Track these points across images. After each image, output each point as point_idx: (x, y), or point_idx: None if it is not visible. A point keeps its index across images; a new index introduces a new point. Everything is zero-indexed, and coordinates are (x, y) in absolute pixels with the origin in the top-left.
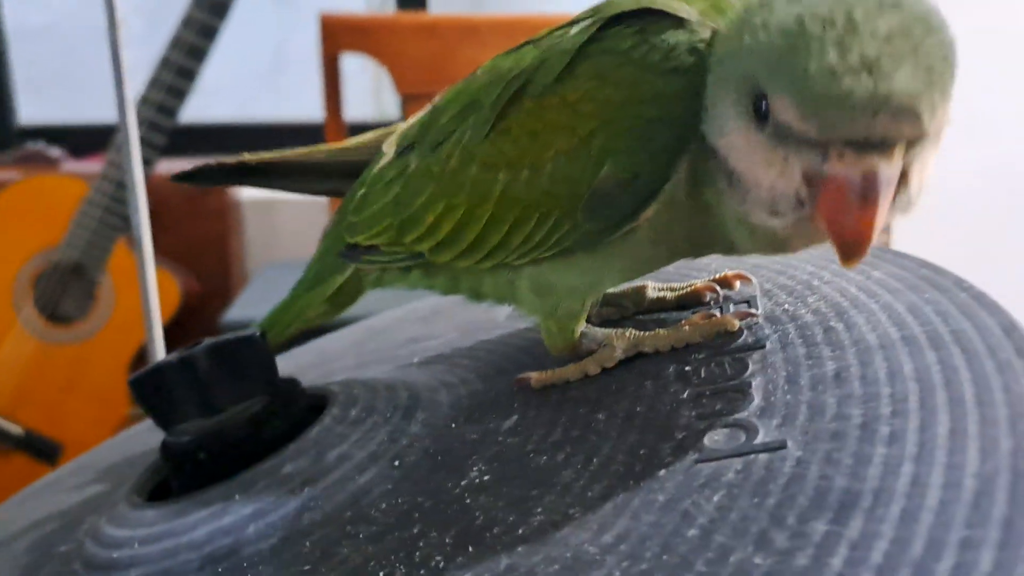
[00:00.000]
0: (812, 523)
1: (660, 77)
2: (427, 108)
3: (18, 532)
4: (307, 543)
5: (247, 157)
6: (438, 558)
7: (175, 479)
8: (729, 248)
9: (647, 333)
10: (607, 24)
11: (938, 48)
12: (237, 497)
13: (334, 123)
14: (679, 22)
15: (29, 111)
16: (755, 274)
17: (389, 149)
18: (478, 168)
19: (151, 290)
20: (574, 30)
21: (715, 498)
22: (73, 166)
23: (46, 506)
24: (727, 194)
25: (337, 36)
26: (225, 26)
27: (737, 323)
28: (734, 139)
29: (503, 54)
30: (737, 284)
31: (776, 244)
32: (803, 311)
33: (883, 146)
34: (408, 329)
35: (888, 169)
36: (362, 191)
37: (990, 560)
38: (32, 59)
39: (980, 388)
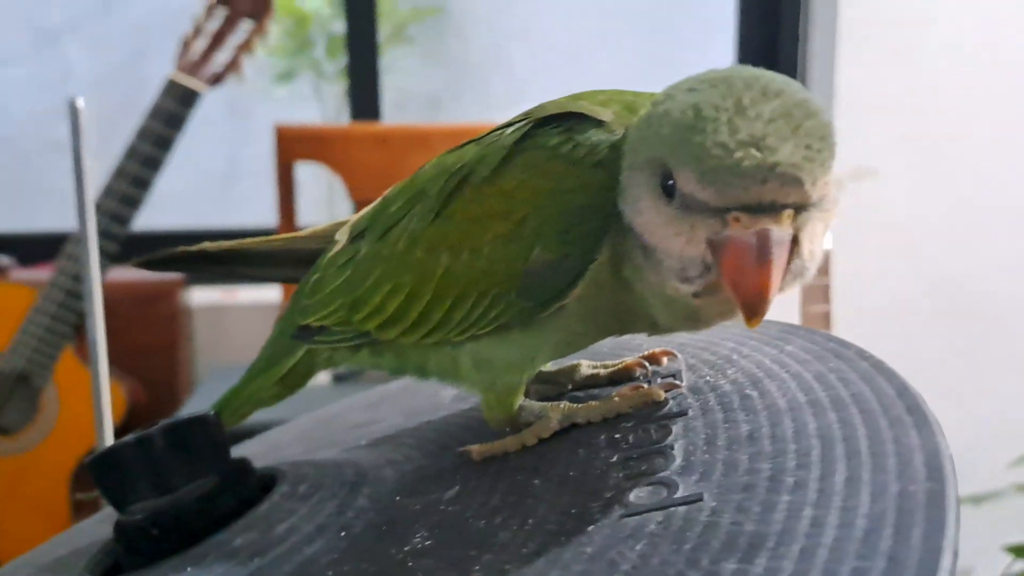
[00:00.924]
0: (723, 563)
1: (584, 169)
2: (378, 200)
3: None
4: None
5: (207, 245)
6: None
7: (127, 558)
8: (652, 324)
9: (580, 405)
10: (538, 125)
11: (816, 128)
12: (189, 570)
13: (287, 229)
14: (599, 123)
15: None
16: (681, 351)
17: (342, 237)
18: (423, 251)
19: (104, 396)
20: (510, 130)
21: (638, 547)
22: (22, 274)
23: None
24: (644, 268)
25: (291, 145)
26: (180, 137)
27: (663, 393)
28: (647, 215)
29: (448, 151)
30: (664, 360)
31: (690, 316)
32: (723, 382)
33: (773, 210)
34: (355, 416)
35: (779, 231)
36: (316, 276)
37: None
38: None
39: (873, 441)
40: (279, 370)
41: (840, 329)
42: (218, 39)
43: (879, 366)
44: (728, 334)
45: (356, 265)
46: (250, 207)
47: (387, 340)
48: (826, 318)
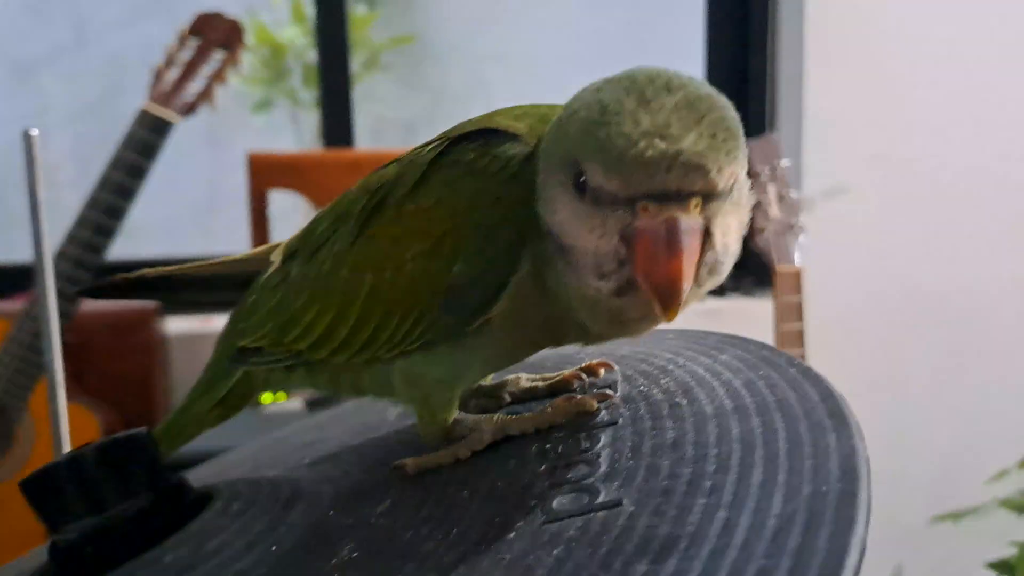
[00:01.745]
0: (635, 565)
1: (499, 183)
2: (309, 221)
3: None
4: None
5: (147, 272)
6: None
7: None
8: (582, 333)
9: (513, 417)
10: (455, 142)
11: (720, 120)
12: None
13: None
14: (513, 137)
15: None
16: (620, 363)
17: (276, 258)
18: (348, 271)
19: (63, 427)
20: (428, 148)
21: (555, 552)
22: None
23: None
24: (565, 273)
25: (265, 173)
26: (153, 167)
27: (595, 403)
28: (561, 213)
29: (374, 171)
30: (601, 371)
31: (615, 318)
32: (655, 391)
33: (680, 198)
34: (303, 436)
35: (687, 218)
36: (252, 298)
37: None
38: None
39: (792, 445)
40: (218, 392)
41: (814, 346)
42: (190, 69)
43: (806, 372)
44: (667, 345)
45: (286, 286)
46: (229, 235)
47: (319, 360)
48: (800, 336)
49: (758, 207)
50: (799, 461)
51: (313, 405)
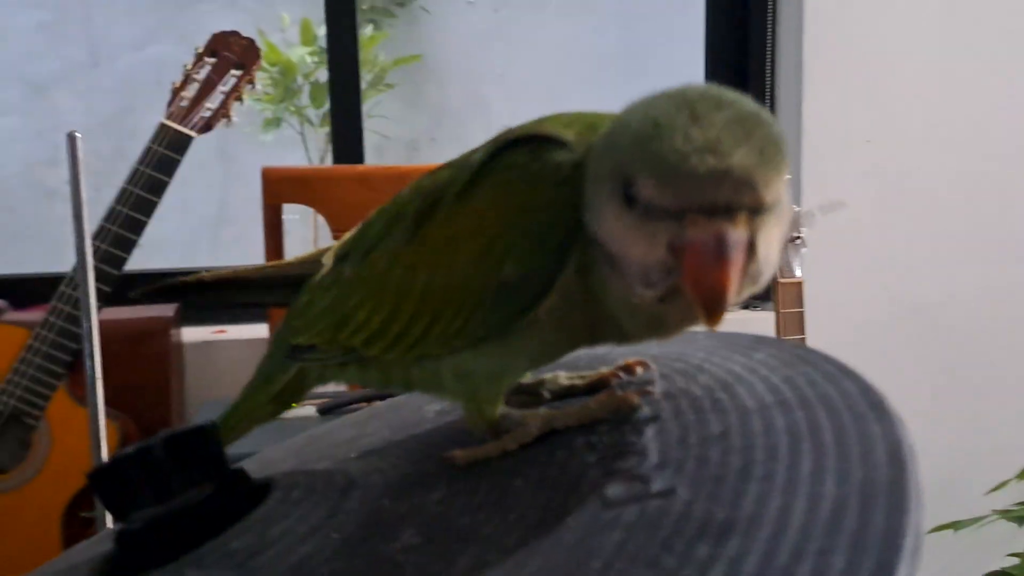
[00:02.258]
0: (697, 547)
1: (548, 187)
2: (360, 224)
3: None
4: None
5: (204, 275)
6: None
7: (130, 566)
8: (620, 334)
9: (558, 411)
10: (505, 147)
11: (768, 137)
12: (188, 572)
13: None
14: (562, 143)
15: None
16: (654, 362)
17: (328, 260)
18: (401, 270)
19: (101, 431)
20: (479, 153)
21: (615, 536)
22: (15, 316)
23: None
24: (610, 278)
25: (278, 188)
26: (171, 182)
27: (637, 398)
28: (610, 223)
29: (426, 175)
30: (639, 370)
31: (655, 323)
32: (694, 387)
33: (729, 212)
34: (345, 432)
35: (735, 232)
36: (305, 298)
37: (842, 562)
38: None
39: (838, 434)
40: (274, 387)
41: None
42: (207, 87)
43: (844, 369)
44: (699, 345)
45: (340, 286)
46: (239, 249)
47: (372, 356)
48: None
49: None
50: (847, 449)
51: (325, 412)
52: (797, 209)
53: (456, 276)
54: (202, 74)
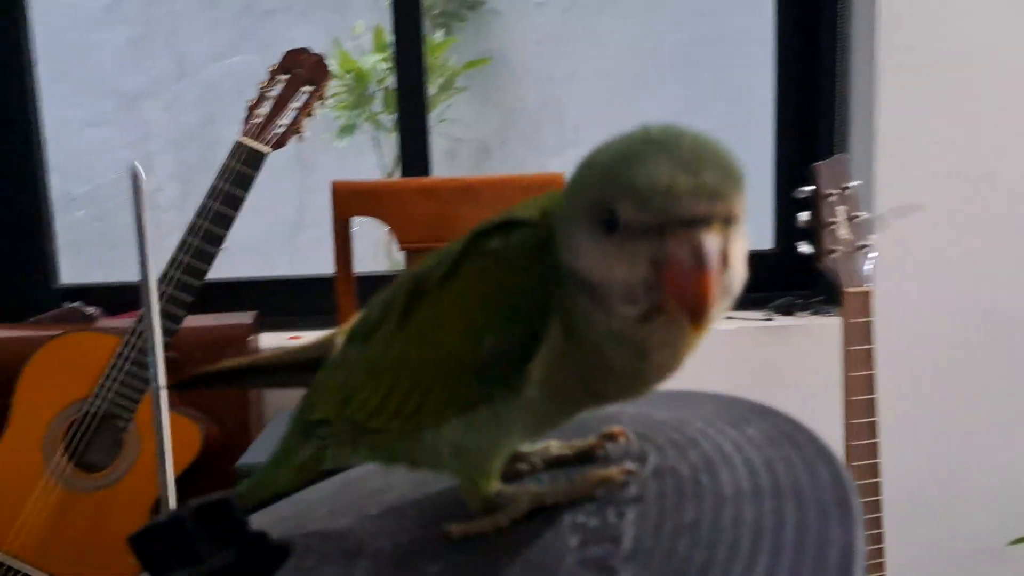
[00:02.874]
0: None
1: (518, 264)
2: (365, 309)
3: None
4: None
5: (227, 363)
6: None
7: None
8: (615, 386)
9: (547, 489)
10: (482, 234)
11: (728, 161)
12: None
13: (344, 279)
14: (528, 224)
15: (69, 272)
16: (655, 431)
17: (340, 341)
18: (396, 351)
19: (166, 439)
20: (459, 242)
21: None
22: (108, 323)
23: None
24: (591, 312)
25: (346, 201)
26: (247, 196)
27: (620, 477)
28: (590, 254)
29: (418, 264)
30: (621, 439)
31: (640, 350)
32: (682, 466)
33: (705, 223)
34: (373, 481)
35: (712, 239)
36: (320, 376)
37: None
38: (72, 224)
39: (799, 532)
40: (294, 462)
41: (883, 366)
42: (280, 104)
43: (823, 453)
44: (700, 412)
45: (346, 366)
46: (317, 253)
47: (375, 429)
48: (868, 356)
49: (827, 228)
50: (803, 553)
51: None
52: (867, 216)
53: (443, 353)
54: (275, 91)
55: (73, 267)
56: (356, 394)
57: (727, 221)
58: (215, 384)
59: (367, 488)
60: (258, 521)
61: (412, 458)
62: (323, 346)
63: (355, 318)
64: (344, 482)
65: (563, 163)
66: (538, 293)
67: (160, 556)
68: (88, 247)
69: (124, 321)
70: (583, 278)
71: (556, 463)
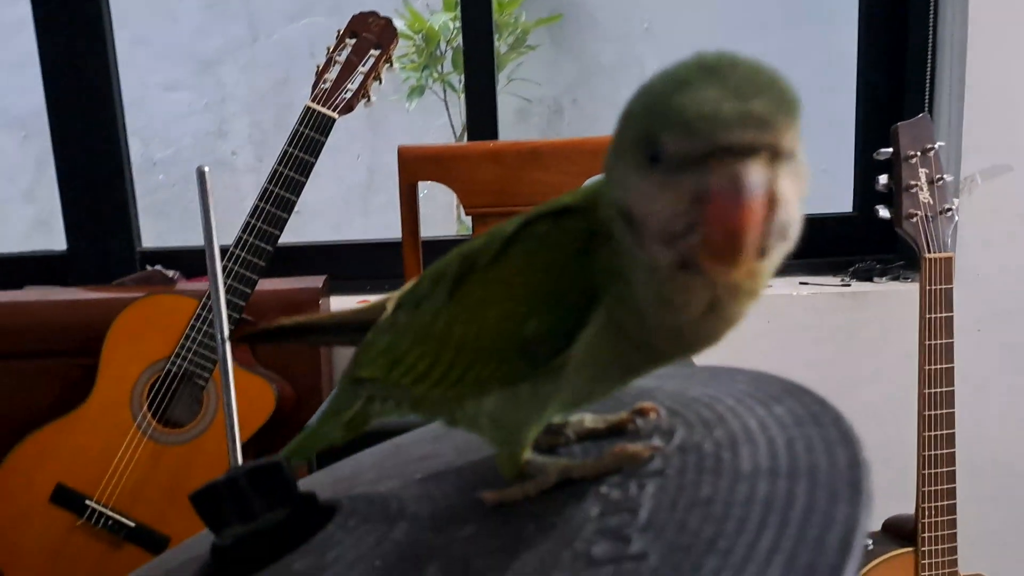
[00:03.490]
0: None
1: (566, 255)
2: (416, 278)
3: None
4: None
5: (287, 321)
6: None
7: (220, 572)
8: (650, 354)
9: (576, 463)
10: (531, 220)
11: (782, 91)
12: None
13: (411, 243)
14: (577, 212)
15: (149, 236)
16: (687, 407)
17: (390, 307)
18: (442, 323)
19: (231, 393)
20: (511, 224)
21: None
22: (186, 285)
23: None
24: (632, 249)
25: (412, 166)
26: (316, 161)
27: (646, 453)
28: (634, 189)
29: (467, 242)
30: (651, 414)
31: (681, 303)
32: (707, 443)
33: (751, 153)
34: (422, 447)
35: (756, 171)
36: (369, 337)
37: None
38: (153, 189)
39: (806, 512)
40: (344, 416)
41: (961, 335)
42: (348, 69)
43: (846, 435)
44: (734, 389)
45: (395, 331)
46: (389, 215)
47: (419, 394)
48: (947, 324)
49: (907, 191)
50: (807, 530)
51: None
52: (951, 179)
53: (487, 331)
54: (343, 56)
55: (153, 231)
56: (403, 359)
57: (777, 154)
58: (276, 340)
59: (415, 454)
60: (315, 480)
61: (453, 420)
62: (375, 310)
63: (406, 285)
64: (395, 447)
65: None
66: (584, 281)
67: (218, 513)
68: (167, 211)
69: (202, 284)
70: (628, 216)
71: (589, 435)
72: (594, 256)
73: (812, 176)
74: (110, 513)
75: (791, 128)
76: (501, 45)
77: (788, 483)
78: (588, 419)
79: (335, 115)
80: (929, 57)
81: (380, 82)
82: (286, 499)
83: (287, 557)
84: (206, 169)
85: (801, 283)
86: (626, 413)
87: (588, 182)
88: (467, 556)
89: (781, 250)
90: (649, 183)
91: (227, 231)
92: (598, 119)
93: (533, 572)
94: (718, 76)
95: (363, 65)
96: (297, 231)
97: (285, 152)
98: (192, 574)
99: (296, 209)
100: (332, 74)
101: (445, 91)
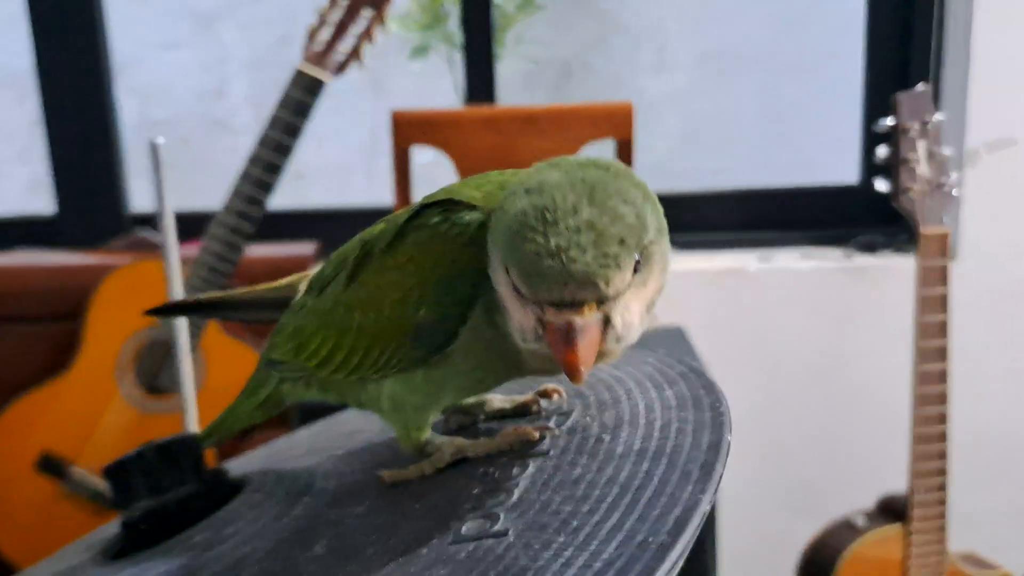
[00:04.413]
0: None
1: (456, 246)
2: (325, 262)
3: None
4: None
5: (201, 296)
6: None
7: (127, 544)
8: (532, 369)
9: (470, 442)
10: (425, 207)
11: (617, 233)
12: (157, 559)
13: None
14: (471, 206)
15: (139, 200)
16: (592, 389)
17: (302, 288)
18: (342, 309)
19: (189, 389)
20: (405, 211)
21: (442, 571)
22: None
23: (68, 558)
24: (506, 324)
25: (407, 130)
26: (307, 124)
27: (536, 435)
28: (501, 288)
29: (371, 227)
30: (555, 396)
31: (545, 362)
32: (594, 425)
33: (576, 305)
34: (351, 423)
35: (582, 319)
36: (282, 320)
37: None
38: (145, 149)
39: (655, 494)
40: (258, 397)
41: (959, 312)
42: (341, 29)
43: (717, 419)
44: (640, 371)
45: (302, 314)
46: (389, 180)
47: (324, 376)
48: (942, 302)
49: (905, 164)
50: (650, 510)
51: None
52: (950, 152)
53: (382, 317)
54: (336, 16)
55: (149, 192)
56: (307, 343)
57: (602, 301)
58: (194, 314)
59: (343, 430)
60: (252, 455)
61: (358, 402)
62: (294, 287)
63: (317, 267)
64: (332, 422)
65: (653, 88)
66: (469, 277)
67: (128, 487)
68: (168, 172)
69: (192, 249)
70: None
71: (497, 415)
72: (480, 250)
73: (818, 146)
74: (94, 481)
75: (619, 277)
76: (508, 5)
77: (649, 464)
78: (497, 400)
79: (327, 76)
80: (935, 25)
81: (373, 43)
82: (195, 475)
83: (189, 531)
84: (160, 141)
85: (802, 255)
86: (531, 394)
87: (493, 174)
88: (355, 531)
89: (626, 344)
90: (508, 292)
91: (223, 194)
92: (608, 85)
93: (405, 549)
94: (556, 226)
95: (356, 25)
96: (300, 194)
97: (274, 115)
98: (102, 547)
99: (301, 173)
100: (324, 35)
101: (450, 52)
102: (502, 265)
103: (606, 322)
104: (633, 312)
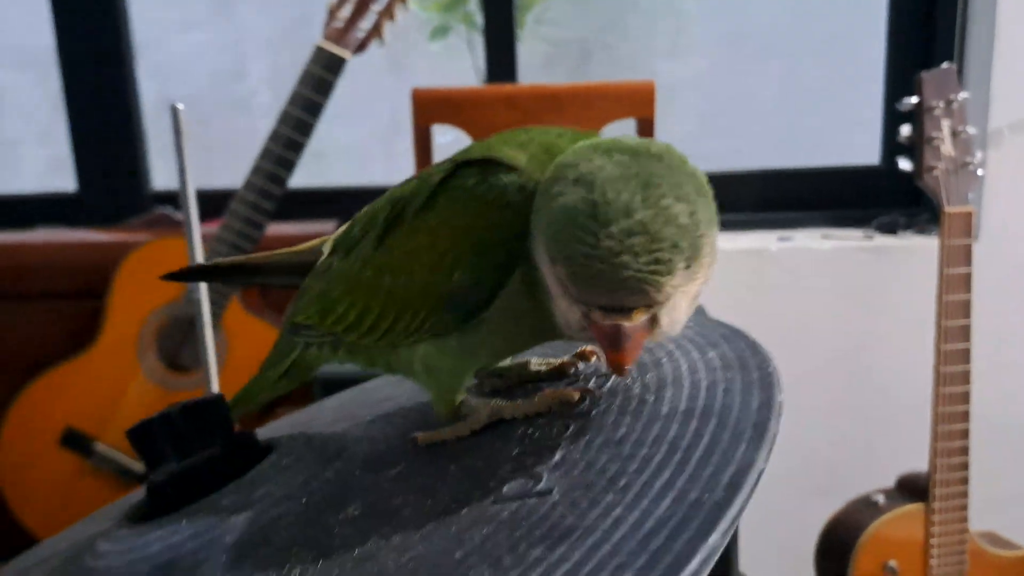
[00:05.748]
0: (532, 550)
1: (493, 209)
2: (350, 221)
3: (59, 543)
4: (224, 557)
5: (220, 261)
6: (298, 570)
7: (153, 508)
8: (570, 336)
9: (507, 403)
10: (460, 166)
11: (671, 236)
12: (184, 522)
13: None
14: (511, 168)
15: (160, 177)
16: None
17: (326, 250)
18: (371, 272)
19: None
20: (439, 169)
21: (484, 530)
22: None
23: (94, 524)
24: (548, 300)
25: (427, 109)
26: (328, 102)
27: (576, 395)
28: (545, 272)
29: (398, 185)
30: (593, 358)
31: (586, 335)
32: (636, 386)
33: (625, 311)
34: (384, 390)
35: (629, 325)
36: (306, 283)
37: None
38: (170, 129)
39: (706, 452)
40: (283, 366)
41: (981, 293)
42: (361, 7)
43: (766, 379)
44: (682, 333)
45: (328, 277)
46: (410, 160)
47: (352, 341)
48: (966, 281)
49: (929, 143)
50: (702, 469)
51: None
52: (975, 131)
53: (414, 282)
54: None
55: (168, 171)
56: (334, 307)
57: (651, 306)
58: (215, 278)
59: (373, 397)
60: (275, 424)
61: (389, 366)
62: (316, 251)
63: (343, 227)
64: (360, 391)
65: (674, 69)
66: (506, 244)
67: (153, 449)
68: (188, 148)
69: (212, 227)
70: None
71: (533, 378)
72: (519, 215)
73: (838, 126)
74: (119, 457)
75: (671, 281)
76: None
77: (698, 423)
78: (533, 361)
79: (347, 54)
80: (959, 3)
81: (394, 21)
82: (222, 437)
83: (216, 494)
84: (180, 107)
85: (823, 236)
86: (568, 357)
87: (535, 132)
88: (391, 494)
89: (672, 334)
90: (553, 281)
91: (243, 174)
92: (629, 66)
93: (444, 510)
94: (609, 227)
95: (377, 3)
96: (321, 173)
97: (295, 92)
98: (127, 511)
99: (322, 152)
100: (345, 12)
101: (470, 32)
102: (547, 254)
103: (653, 320)
104: (680, 310)
